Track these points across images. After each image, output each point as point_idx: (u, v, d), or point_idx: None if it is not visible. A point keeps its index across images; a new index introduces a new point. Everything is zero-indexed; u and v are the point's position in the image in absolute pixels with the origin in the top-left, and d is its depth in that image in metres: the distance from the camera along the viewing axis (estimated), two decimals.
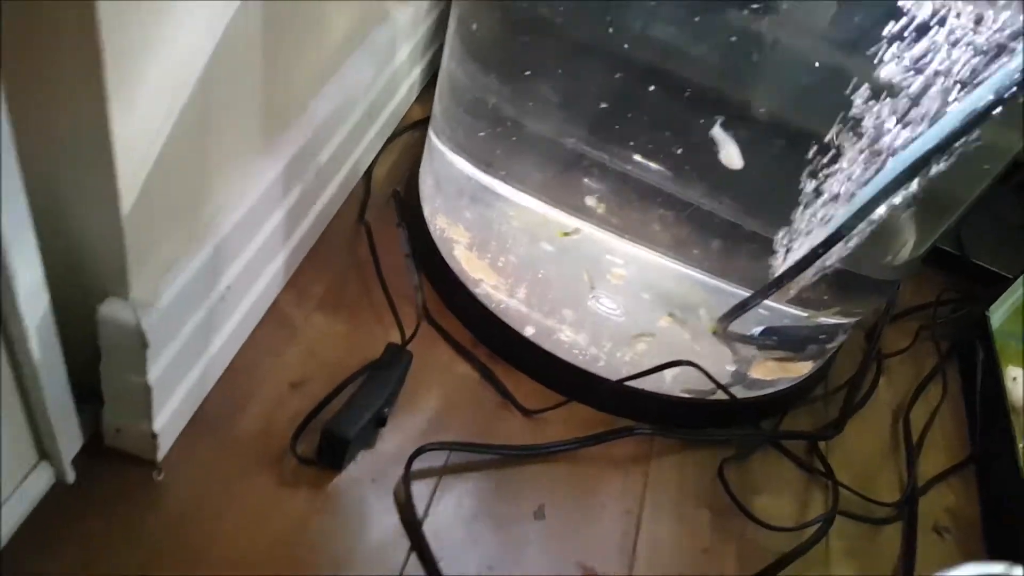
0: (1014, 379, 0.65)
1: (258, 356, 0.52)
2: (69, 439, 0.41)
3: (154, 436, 0.44)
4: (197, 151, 0.41)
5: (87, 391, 0.42)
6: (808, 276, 0.51)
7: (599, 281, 0.56)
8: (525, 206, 0.56)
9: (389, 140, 0.69)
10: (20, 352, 0.35)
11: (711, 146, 0.48)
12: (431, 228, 0.61)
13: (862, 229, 0.49)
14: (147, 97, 0.34)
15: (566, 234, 0.54)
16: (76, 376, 0.40)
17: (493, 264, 0.58)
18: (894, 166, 0.45)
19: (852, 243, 0.50)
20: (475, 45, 0.54)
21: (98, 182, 0.34)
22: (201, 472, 0.46)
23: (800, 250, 0.50)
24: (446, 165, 0.60)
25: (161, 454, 0.45)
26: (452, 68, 0.58)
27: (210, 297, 0.45)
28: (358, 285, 0.58)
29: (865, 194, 0.47)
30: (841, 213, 0.48)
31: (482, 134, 0.56)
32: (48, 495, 0.42)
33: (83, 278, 0.39)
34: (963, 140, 0.44)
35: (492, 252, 0.58)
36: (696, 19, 0.45)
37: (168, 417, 0.44)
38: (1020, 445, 0.61)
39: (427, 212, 0.62)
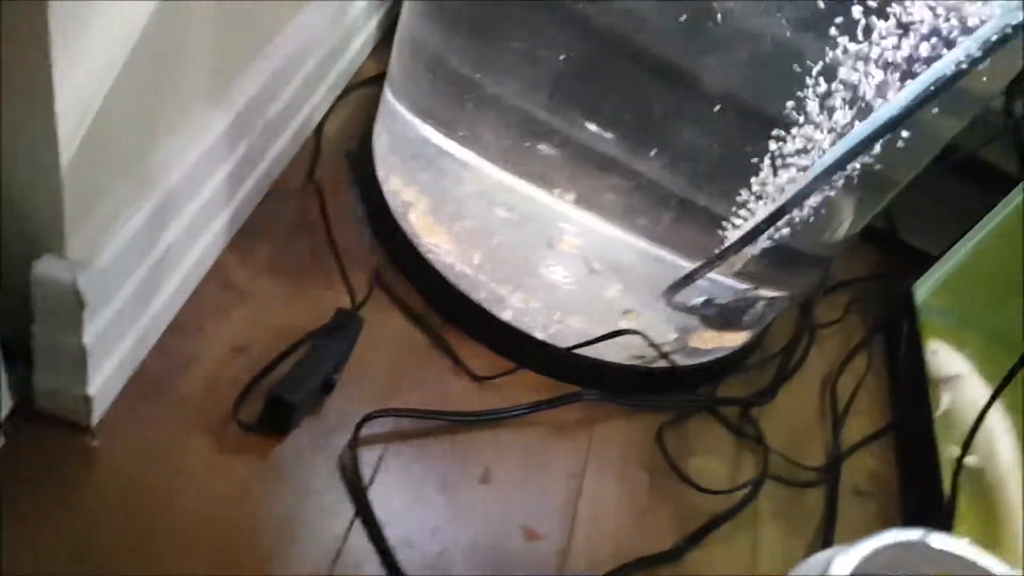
0: (934, 352, 0.69)
1: (200, 318, 0.50)
2: None
3: (88, 400, 0.42)
4: (143, 100, 0.39)
5: (16, 351, 0.40)
6: (750, 251, 0.53)
7: (551, 251, 0.56)
8: (481, 170, 0.55)
9: (341, 96, 0.67)
10: None
11: (667, 118, 0.48)
12: (384, 190, 0.60)
13: (804, 207, 0.50)
14: (92, 42, 0.32)
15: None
16: (4, 335, 0.38)
17: (448, 229, 0.57)
18: (837, 148, 0.47)
19: (794, 220, 0.51)
20: (436, 4, 0.53)
21: (37, 129, 0.32)
22: (140, 437, 0.44)
23: (745, 226, 0.51)
24: (402, 125, 0.59)
25: (96, 418, 0.43)
26: (412, 26, 0.56)
27: (151, 255, 0.43)
28: (307, 247, 0.57)
29: (809, 173, 0.48)
30: (787, 191, 0.49)
31: (440, 95, 0.55)
32: None
33: (17, 233, 0.37)
34: (902, 126, 0.45)
35: (447, 216, 0.57)
36: None
37: (104, 380, 0.43)
38: (936, 415, 0.65)
39: (381, 173, 0.61)
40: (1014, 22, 0.39)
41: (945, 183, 0.69)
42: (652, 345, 0.56)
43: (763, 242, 0.52)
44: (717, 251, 0.52)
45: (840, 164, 0.47)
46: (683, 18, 0.44)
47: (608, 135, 0.50)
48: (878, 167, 0.48)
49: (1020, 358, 0.54)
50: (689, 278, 0.52)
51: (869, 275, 0.75)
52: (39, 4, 0.28)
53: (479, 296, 0.57)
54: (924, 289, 0.73)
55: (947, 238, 0.73)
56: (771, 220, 0.50)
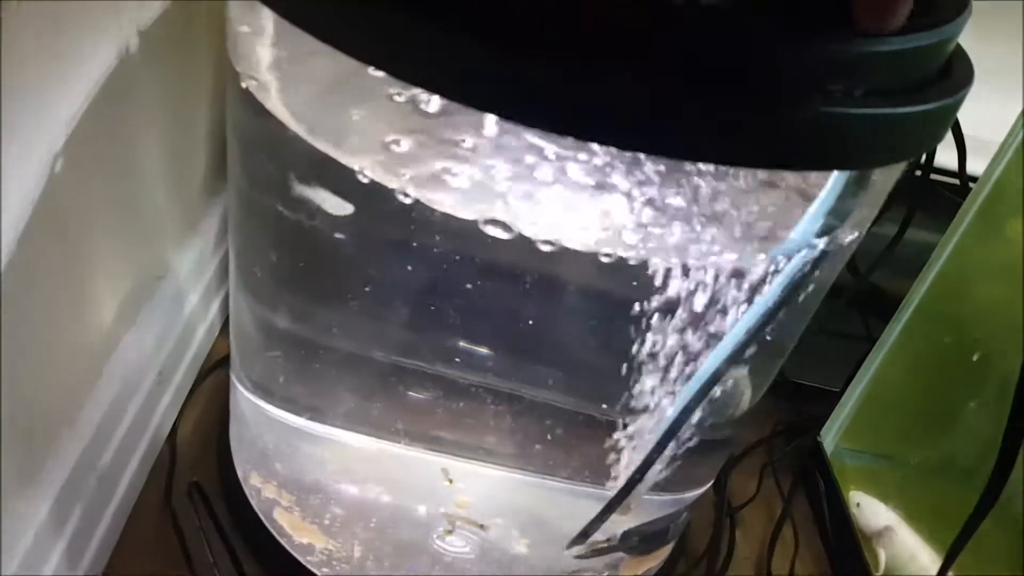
0: (857, 505, 0.67)
1: None
2: None
3: None
4: None
5: None
6: (651, 478, 0.50)
7: (440, 520, 0.52)
8: (338, 442, 0.52)
9: (192, 390, 0.63)
10: None
11: (532, 334, 0.46)
12: (246, 490, 0.56)
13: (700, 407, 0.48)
14: None
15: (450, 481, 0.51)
16: None
17: (319, 523, 0.53)
18: (710, 361, 0.45)
19: (695, 421, 0.49)
20: (257, 286, 0.51)
21: None
22: None
23: (643, 445, 0.49)
24: (248, 408, 0.55)
25: None
26: (238, 301, 0.53)
27: None
28: None
29: (693, 382, 0.46)
30: (675, 404, 0.47)
31: (280, 368, 0.51)
32: None
33: None
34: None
35: (314, 509, 0.53)
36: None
37: None
38: (877, 575, 0.63)
39: (240, 471, 0.57)
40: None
41: (825, 311, 0.69)
42: None
43: (663, 458, 0.50)
44: (612, 491, 0.49)
45: (715, 377, 0.46)
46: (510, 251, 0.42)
47: (469, 362, 0.47)
48: (767, 340, 0.46)
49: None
50: (585, 534, 0.49)
51: (773, 431, 0.73)
52: None
53: None
54: (832, 434, 0.72)
55: (843, 369, 0.73)
56: (662, 444, 0.48)
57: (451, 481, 0.51)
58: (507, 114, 0.27)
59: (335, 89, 0.39)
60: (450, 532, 0.53)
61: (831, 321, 0.70)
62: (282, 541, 0.53)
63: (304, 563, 0.53)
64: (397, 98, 0.39)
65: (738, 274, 0.39)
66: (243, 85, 0.40)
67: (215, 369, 0.66)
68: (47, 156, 0.38)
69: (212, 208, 0.65)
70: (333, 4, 0.28)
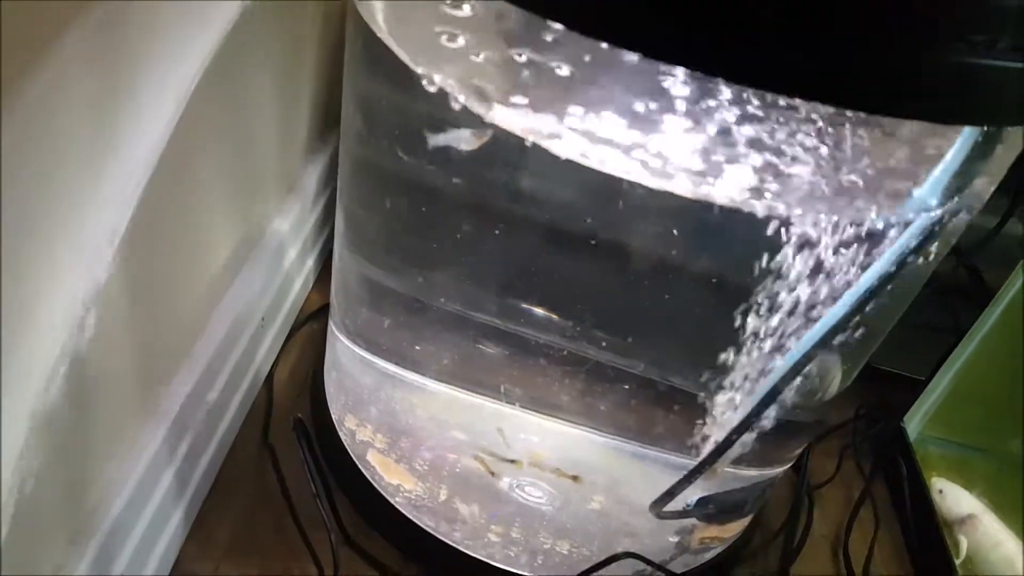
0: (940, 491, 0.66)
1: None
2: None
3: None
4: (73, 447, 0.37)
5: None
6: (737, 446, 0.50)
7: (518, 471, 0.54)
8: (432, 392, 0.53)
9: (288, 336, 0.66)
10: None
11: (624, 300, 0.46)
12: (340, 432, 0.58)
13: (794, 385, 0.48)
14: (8, 426, 0.31)
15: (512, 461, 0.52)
16: None
17: (408, 465, 0.55)
18: (824, 321, 0.44)
19: (784, 400, 0.49)
20: (365, 244, 0.53)
21: None
22: None
23: (726, 421, 0.49)
24: (348, 357, 0.57)
25: None
26: (343, 257, 0.55)
27: None
28: (269, 521, 0.54)
29: (794, 353, 0.46)
30: (769, 377, 0.47)
31: (381, 320, 0.53)
32: None
33: None
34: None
35: (405, 451, 0.55)
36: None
37: None
38: (958, 562, 0.62)
39: (335, 414, 0.59)
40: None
41: (915, 301, 0.68)
42: (651, 565, 0.53)
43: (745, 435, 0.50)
44: (698, 454, 0.50)
45: (809, 356, 0.45)
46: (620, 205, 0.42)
47: (564, 326, 0.48)
48: (866, 322, 0.45)
49: None
50: (671, 493, 0.50)
51: (856, 415, 0.72)
52: None
53: (456, 538, 0.54)
54: (916, 421, 0.71)
55: (929, 358, 0.71)
56: (756, 412, 0.48)
57: (505, 440, 0.53)
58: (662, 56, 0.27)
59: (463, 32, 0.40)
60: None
61: (917, 309, 0.69)
62: (373, 481, 0.55)
63: (393, 503, 0.55)
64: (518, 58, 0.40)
65: (850, 241, 0.39)
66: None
67: (309, 320, 0.68)
68: (178, 101, 0.40)
69: (310, 169, 0.68)
70: None
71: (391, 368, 0.54)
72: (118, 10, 0.32)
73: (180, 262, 0.46)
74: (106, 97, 0.33)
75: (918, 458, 0.69)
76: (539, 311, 0.48)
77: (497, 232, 0.46)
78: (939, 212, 0.38)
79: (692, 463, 0.50)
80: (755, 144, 0.35)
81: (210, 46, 0.41)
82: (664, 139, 0.36)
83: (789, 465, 0.59)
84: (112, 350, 0.39)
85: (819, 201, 0.36)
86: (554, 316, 0.48)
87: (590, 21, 0.27)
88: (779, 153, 0.35)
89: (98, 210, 0.34)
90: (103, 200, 0.35)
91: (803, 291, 0.42)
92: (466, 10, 0.40)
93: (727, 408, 0.50)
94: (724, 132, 0.35)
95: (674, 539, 0.55)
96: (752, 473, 0.55)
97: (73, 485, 0.39)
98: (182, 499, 0.49)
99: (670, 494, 0.50)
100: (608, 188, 0.39)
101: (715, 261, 0.43)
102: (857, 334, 0.46)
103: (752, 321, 0.44)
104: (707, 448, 0.50)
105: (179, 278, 0.47)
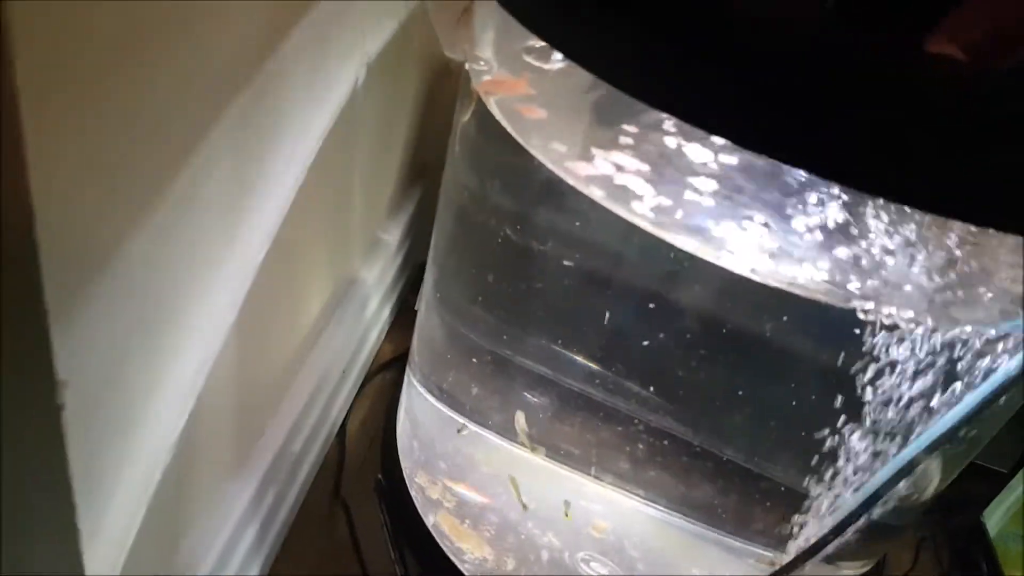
0: None
1: None
2: None
3: None
4: (170, 516, 0.38)
5: None
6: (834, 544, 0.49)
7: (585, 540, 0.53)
8: (509, 453, 0.52)
9: (361, 387, 0.66)
10: None
11: (717, 383, 0.45)
12: (411, 488, 0.58)
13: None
14: (117, 507, 0.31)
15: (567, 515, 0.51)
16: None
17: (476, 528, 0.54)
18: (943, 422, 0.42)
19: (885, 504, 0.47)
20: (458, 304, 0.53)
21: None
22: None
23: (820, 517, 0.47)
24: (429, 413, 0.57)
25: None
26: (431, 322, 0.55)
27: None
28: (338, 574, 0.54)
29: (903, 455, 0.44)
30: (874, 478, 0.45)
31: (465, 378, 0.53)
32: None
33: None
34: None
35: (474, 513, 0.54)
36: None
37: None
38: None
39: (406, 469, 0.59)
40: None
41: None
42: None
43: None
44: (781, 547, 0.48)
45: (914, 463, 0.43)
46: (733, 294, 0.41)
47: (653, 404, 0.47)
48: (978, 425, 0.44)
49: None
50: None
51: (935, 505, 0.70)
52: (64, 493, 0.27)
53: None
54: (997, 516, 0.68)
55: (1014, 450, 0.69)
56: (858, 514, 0.46)
57: (568, 515, 0.52)
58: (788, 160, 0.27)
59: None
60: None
61: None
62: (443, 546, 0.55)
63: (461, 569, 0.54)
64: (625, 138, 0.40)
65: (957, 346, 0.38)
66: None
67: (382, 370, 0.69)
68: (297, 175, 0.40)
69: (394, 221, 0.68)
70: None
71: (471, 426, 0.53)
72: (256, 97, 0.33)
73: (280, 322, 0.47)
74: (242, 173, 0.34)
75: (998, 554, 0.66)
76: (631, 382, 0.47)
77: (600, 305, 0.45)
78: None
79: (764, 552, 0.49)
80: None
81: (326, 122, 0.42)
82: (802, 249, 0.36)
83: (871, 566, 0.57)
84: (214, 416, 0.39)
85: (922, 304, 0.35)
86: (645, 391, 0.47)
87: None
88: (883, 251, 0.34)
89: (224, 283, 0.35)
90: (229, 273, 0.35)
91: (923, 390, 0.41)
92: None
93: (826, 504, 0.49)
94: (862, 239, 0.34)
95: None
96: (833, 571, 0.53)
97: (162, 556, 0.39)
98: (259, 555, 0.50)
99: None
100: (721, 276, 0.39)
101: (831, 355, 0.42)
102: (967, 436, 0.44)
103: (867, 417, 0.43)
104: (794, 543, 0.48)
105: (277, 338, 0.47)
